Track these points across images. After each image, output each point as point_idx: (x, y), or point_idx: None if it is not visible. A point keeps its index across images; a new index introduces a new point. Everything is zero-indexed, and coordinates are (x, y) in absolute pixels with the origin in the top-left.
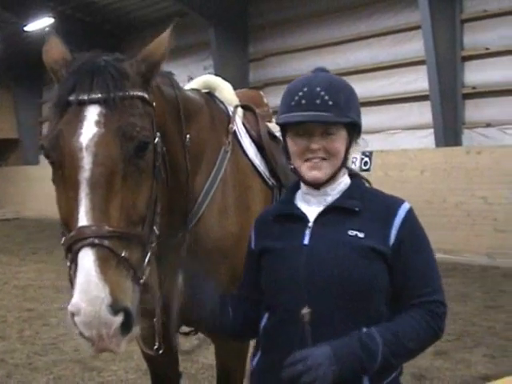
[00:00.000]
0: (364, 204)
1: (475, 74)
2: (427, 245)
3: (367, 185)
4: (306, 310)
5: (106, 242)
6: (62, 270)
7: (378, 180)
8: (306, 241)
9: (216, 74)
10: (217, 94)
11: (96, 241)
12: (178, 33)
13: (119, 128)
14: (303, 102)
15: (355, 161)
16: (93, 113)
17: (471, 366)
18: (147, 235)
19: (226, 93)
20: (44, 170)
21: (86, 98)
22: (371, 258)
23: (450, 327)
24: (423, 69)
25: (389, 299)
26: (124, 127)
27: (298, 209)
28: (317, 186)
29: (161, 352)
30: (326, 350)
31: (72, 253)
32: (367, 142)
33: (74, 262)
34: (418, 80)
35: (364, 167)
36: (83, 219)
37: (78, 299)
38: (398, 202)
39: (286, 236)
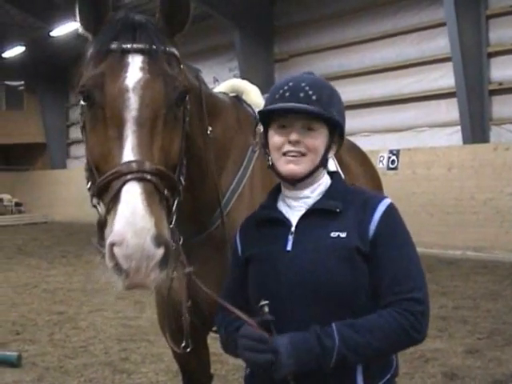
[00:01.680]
0: (345, 203)
1: (501, 70)
2: (407, 240)
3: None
4: (263, 302)
5: (152, 178)
6: (91, 274)
7: (405, 178)
8: (289, 247)
9: (241, 75)
10: (244, 97)
11: (144, 175)
12: (203, 35)
13: (163, 76)
14: (287, 94)
15: (382, 159)
16: (137, 60)
17: (502, 364)
18: (178, 182)
19: (253, 96)
20: (71, 173)
21: (129, 46)
22: (354, 258)
23: (481, 325)
24: (449, 66)
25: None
26: (167, 76)
27: (281, 213)
28: (293, 181)
29: (189, 350)
30: (285, 342)
31: (112, 189)
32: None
33: (116, 197)
34: (445, 77)
35: (391, 165)
36: (129, 154)
37: (122, 230)
38: (378, 198)
39: (269, 242)
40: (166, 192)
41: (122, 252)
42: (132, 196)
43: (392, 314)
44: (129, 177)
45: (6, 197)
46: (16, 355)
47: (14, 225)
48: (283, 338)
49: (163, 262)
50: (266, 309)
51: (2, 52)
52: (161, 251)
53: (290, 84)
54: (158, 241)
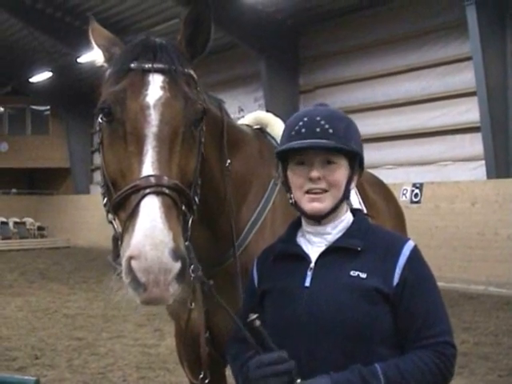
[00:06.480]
0: (367, 242)
1: None
2: (433, 284)
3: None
4: (253, 316)
5: (170, 192)
6: (112, 300)
7: (428, 212)
8: (307, 283)
9: (267, 106)
10: (268, 129)
11: (162, 189)
12: (229, 64)
13: (183, 95)
14: (303, 130)
15: (405, 192)
16: (157, 79)
17: None
18: (193, 201)
19: (277, 128)
20: (94, 199)
21: (150, 66)
22: (373, 299)
23: (503, 362)
24: (474, 100)
25: (392, 341)
26: (186, 96)
27: (300, 248)
28: (318, 218)
29: (207, 381)
30: (327, 382)
31: (130, 203)
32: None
33: (135, 211)
34: (470, 111)
35: (414, 199)
36: (148, 169)
37: (140, 243)
38: (403, 240)
39: (287, 276)
40: (183, 207)
41: (140, 265)
42: (151, 209)
43: (429, 356)
44: (147, 191)
45: (29, 220)
46: (34, 380)
47: (36, 249)
48: (322, 379)
49: (180, 276)
50: (257, 323)
51: (30, 77)
52: (178, 265)
53: (305, 119)
54: (176, 254)
